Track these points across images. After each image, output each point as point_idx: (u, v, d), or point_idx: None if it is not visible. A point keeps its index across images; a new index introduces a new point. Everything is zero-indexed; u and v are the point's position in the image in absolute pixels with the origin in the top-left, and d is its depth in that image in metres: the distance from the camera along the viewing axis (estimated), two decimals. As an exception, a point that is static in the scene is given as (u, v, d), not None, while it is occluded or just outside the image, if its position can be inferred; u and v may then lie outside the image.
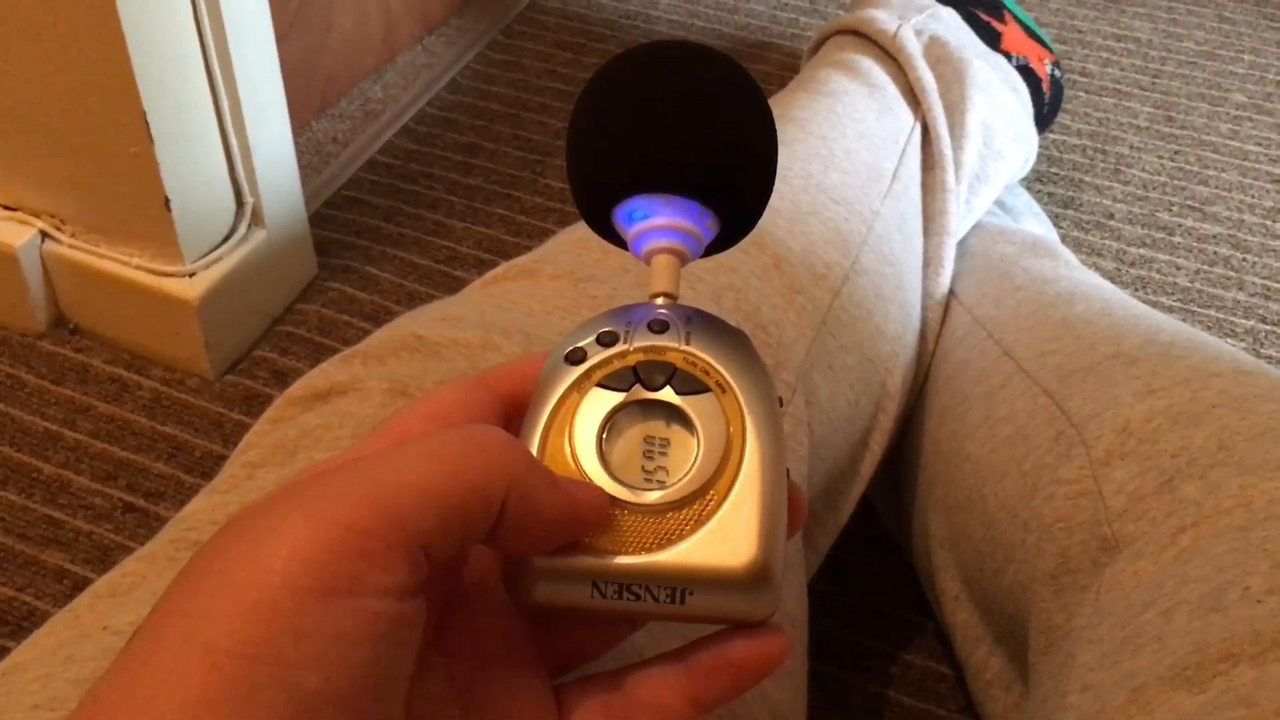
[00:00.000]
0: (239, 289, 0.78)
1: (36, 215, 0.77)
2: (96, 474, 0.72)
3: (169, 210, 0.72)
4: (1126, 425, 0.51)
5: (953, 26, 0.80)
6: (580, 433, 0.29)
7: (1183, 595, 0.42)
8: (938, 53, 0.76)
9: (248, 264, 0.78)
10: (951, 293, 0.68)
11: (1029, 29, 0.86)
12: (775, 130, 0.33)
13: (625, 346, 0.30)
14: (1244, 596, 0.41)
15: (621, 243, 0.33)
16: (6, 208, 0.77)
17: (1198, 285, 0.90)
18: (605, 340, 0.30)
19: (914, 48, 0.75)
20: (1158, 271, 0.91)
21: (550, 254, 0.54)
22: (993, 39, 0.83)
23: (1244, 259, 0.92)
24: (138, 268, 0.75)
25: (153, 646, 0.22)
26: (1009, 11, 0.86)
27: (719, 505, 0.28)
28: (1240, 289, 0.89)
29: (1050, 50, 0.87)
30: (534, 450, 0.29)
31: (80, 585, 0.66)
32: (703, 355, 0.30)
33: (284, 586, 0.22)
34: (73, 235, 0.77)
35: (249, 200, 0.78)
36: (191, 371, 0.78)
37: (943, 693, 0.64)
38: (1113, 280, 0.90)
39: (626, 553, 0.27)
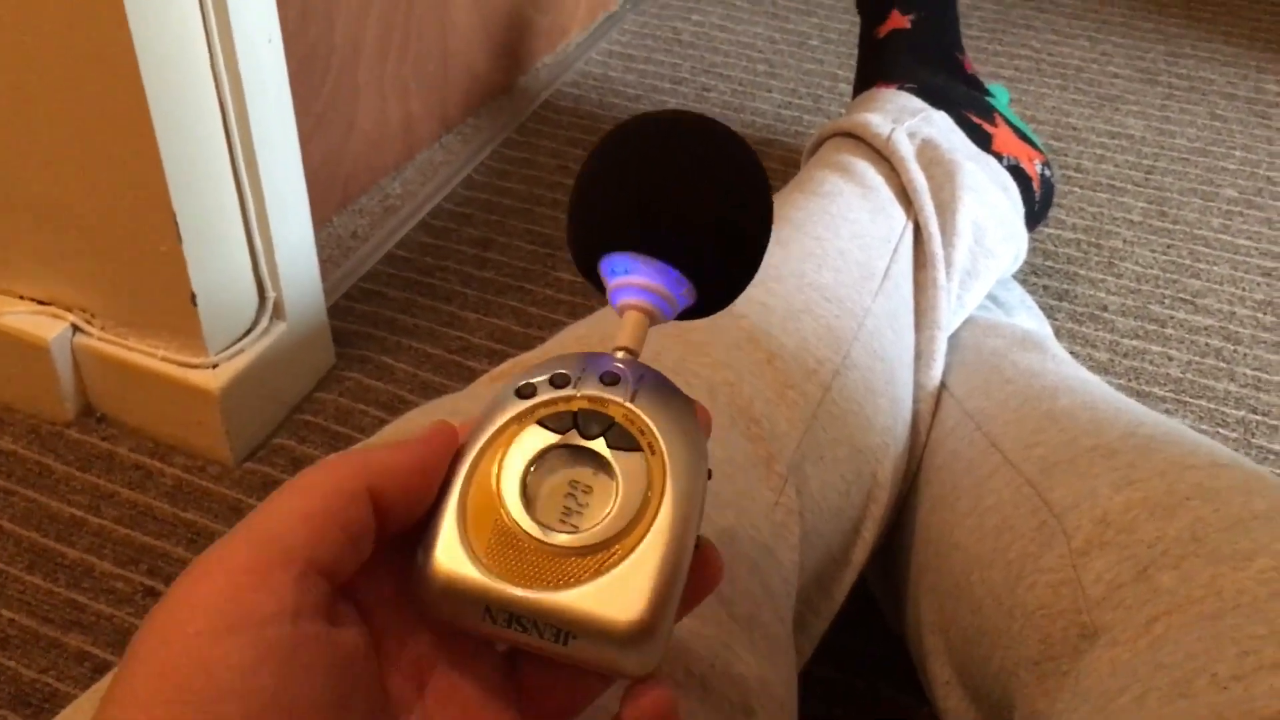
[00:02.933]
0: (259, 379, 0.81)
1: (69, 309, 0.81)
2: (119, 559, 0.75)
3: (195, 305, 0.75)
4: (1105, 516, 0.53)
5: (945, 129, 0.84)
6: (510, 463, 0.30)
7: (1155, 681, 0.44)
8: (930, 155, 0.79)
9: (268, 355, 0.82)
10: (943, 385, 0.71)
11: (1019, 131, 0.90)
12: (770, 214, 0.34)
13: (573, 392, 0.31)
14: (1211, 683, 0.42)
15: (604, 291, 0.35)
16: (40, 302, 0.81)
17: (1190, 376, 0.92)
18: (557, 381, 0.32)
19: (907, 150, 0.78)
20: (1150, 363, 0.93)
21: (553, 350, 0.57)
22: (984, 141, 0.86)
23: (1235, 350, 0.94)
24: (164, 359, 0.79)
25: (105, 713, 0.25)
26: (1000, 115, 0.90)
27: (620, 560, 0.29)
28: (1232, 380, 0.92)
29: (1040, 151, 0.90)
30: (464, 470, 0.30)
31: (101, 667, 0.68)
32: (642, 415, 0.31)
33: (191, 634, 0.25)
34: (103, 328, 0.80)
35: (271, 294, 0.81)
36: (212, 459, 0.81)
37: (938, 778, 0.65)
38: (1106, 371, 0.92)
39: (523, 586, 0.29)
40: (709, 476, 0.31)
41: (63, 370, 0.81)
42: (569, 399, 0.31)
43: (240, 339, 0.80)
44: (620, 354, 0.33)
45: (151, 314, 0.78)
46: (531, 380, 0.32)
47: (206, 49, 0.70)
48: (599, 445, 0.30)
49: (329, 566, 0.28)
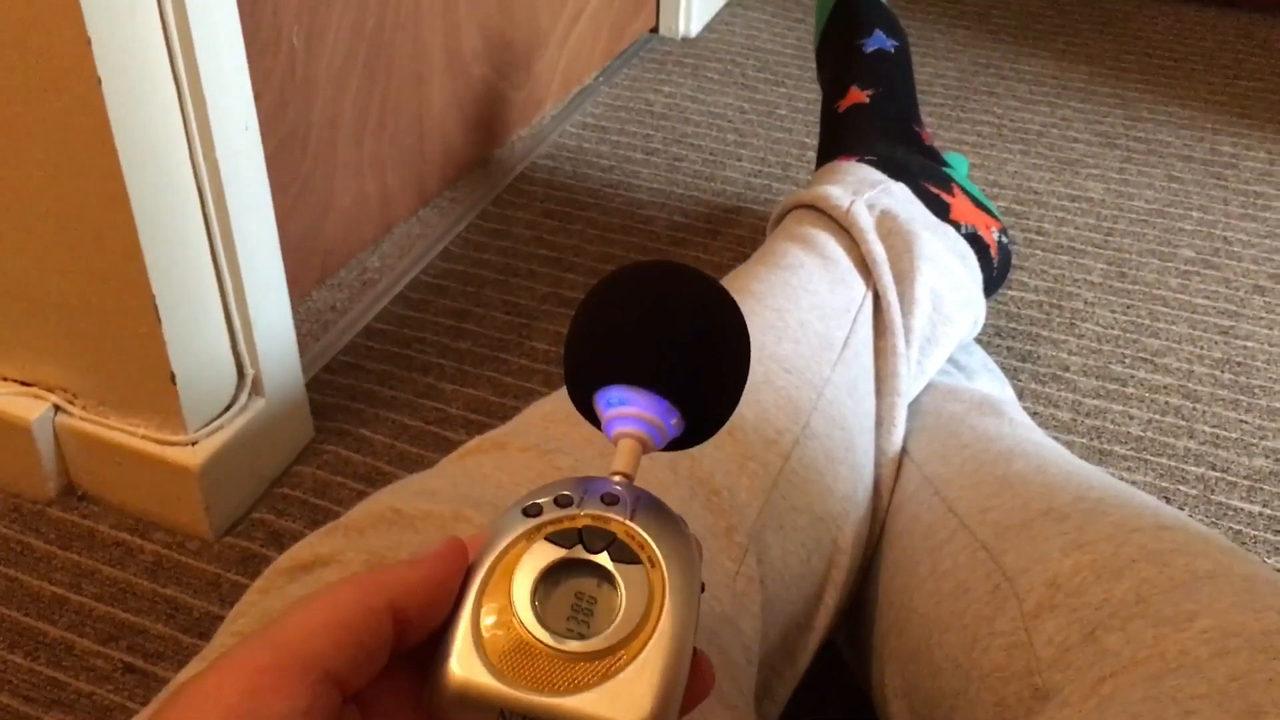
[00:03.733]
0: (239, 455, 0.83)
1: (51, 390, 0.82)
2: (99, 636, 0.76)
3: (174, 384, 0.77)
4: (1055, 579, 0.55)
5: (903, 200, 0.87)
6: (521, 576, 0.33)
7: (1102, 742, 0.46)
8: (889, 225, 0.82)
9: (247, 431, 0.83)
10: (904, 450, 0.73)
11: (977, 200, 0.93)
12: (748, 356, 0.38)
13: (577, 510, 0.34)
14: (1155, 743, 0.44)
15: (598, 422, 0.38)
16: (23, 383, 0.83)
17: (1150, 434, 0.94)
18: (561, 501, 0.34)
19: (866, 222, 0.81)
20: (1112, 421, 0.95)
21: (520, 428, 0.59)
22: (942, 210, 0.89)
23: (1194, 408, 0.97)
24: (144, 437, 0.80)
25: None
26: (957, 184, 0.93)
27: (626, 665, 0.31)
28: (1191, 437, 0.94)
29: (997, 219, 0.93)
30: (477, 584, 0.33)
31: (80, 745, 0.69)
32: (642, 532, 0.34)
33: None
34: (84, 408, 0.82)
35: (250, 371, 0.83)
36: (192, 534, 0.83)
37: (908, 839, 0.66)
38: (1069, 430, 0.95)
39: (535, 690, 0.31)
40: (702, 589, 0.34)
41: (44, 449, 0.83)
42: (573, 517, 0.34)
43: (219, 416, 0.82)
44: (617, 478, 0.36)
45: (132, 394, 0.80)
46: (537, 501, 0.35)
47: (185, 138, 0.73)
48: (603, 559, 0.33)
49: (343, 676, 0.30)
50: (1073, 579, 0.54)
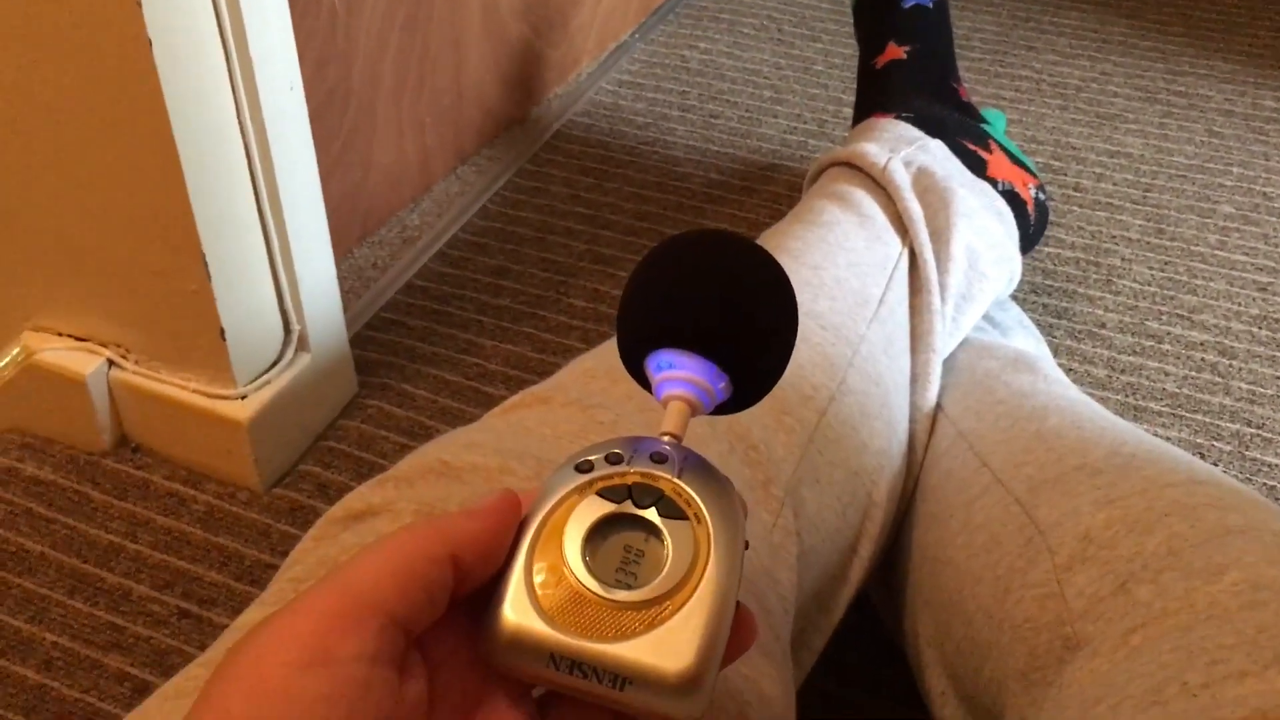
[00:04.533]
0: (286, 409, 0.85)
1: (104, 345, 0.85)
2: (155, 582, 0.78)
3: (224, 340, 0.79)
4: (1087, 532, 0.56)
5: (940, 157, 0.87)
6: (572, 528, 0.34)
7: (1129, 690, 0.47)
8: (925, 183, 0.82)
9: (294, 386, 0.85)
10: (939, 406, 0.74)
11: (1014, 156, 0.93)
12: (795, 322, 0.39)
13: (627, 468, 0.36)
14: (1182, 691, 0.45)
15: (647, 384, 0.39)
16: (78, 338, 0.85)
17: (1185, 391, 0.95)
18: (612, 459, 0.36)
19: (903, 179, 0.81)
20: (1147, 378, 0.96)
21: (562, 383, 0.60)
22: (979, 167, 0.89)
23: (1230, 365, 0.97)
24: (194, 391, 0.83)
25: (195, 714, 0.29)
26: (995, 141, 0.93)
27: (671, 615, 0.33)
28: (1226, 394, 0.94)
29: (1035, 175, 0.93)
30: (530, 534, 0.34)
31: (140, 687, 0.72)
32: (689, 489, 0.35)
33: (277, 664, 0.29)
34: (136, 363, 0.84)
35: (296, 328, 0.85)
36: (242, 486, 0.85)
37: (939, 785, 0.68)
38: (1104, 387, 0.95)
39: (584, 637, 0.32)
40: (746, 547, 0.35)
41: (99, 403, 0.85)
42: (623, 474, 0.35)
43: (267, 371, 0.84)
44: (666, 438, 0.37)
45: (183, 349, 0.82)
46: (589, 457, 0.36)
47: (232, 99, 0.74)
48: (651, 514, 0.35)
49: (407, 621, 0.31)
50: (1105, 532, 0.55)
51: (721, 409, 0.39)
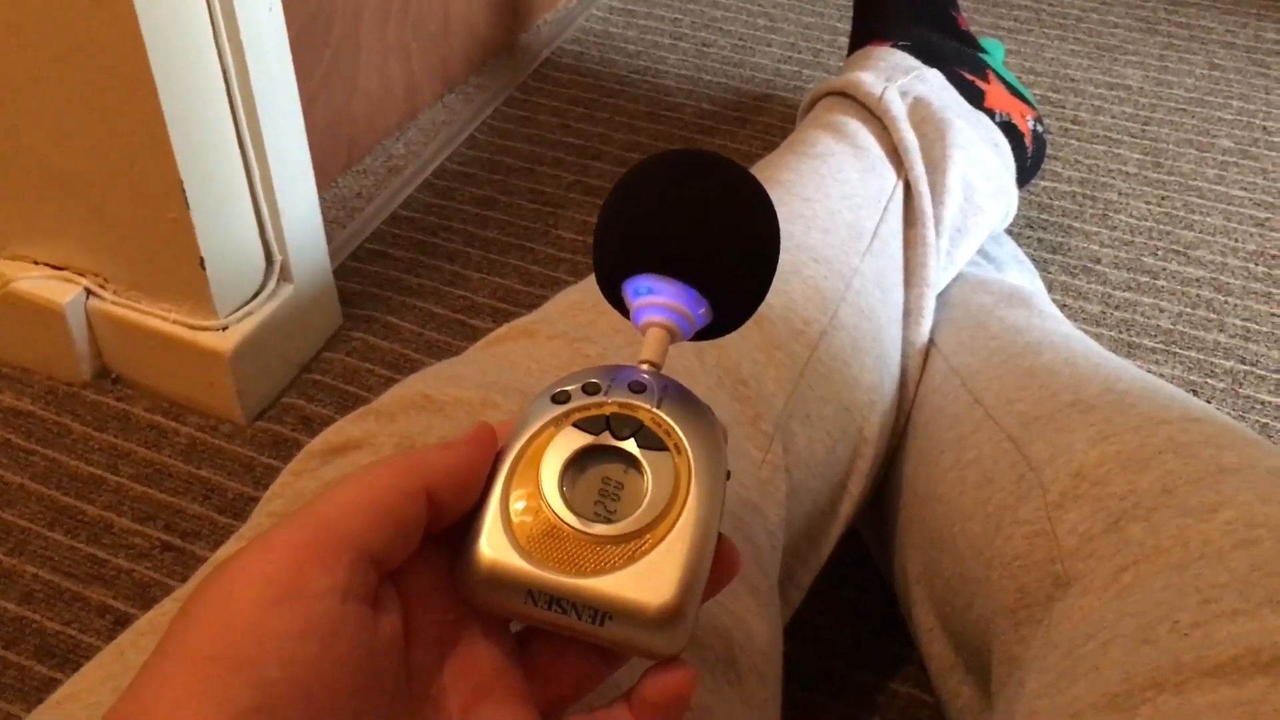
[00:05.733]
0: (268, 341, 0.84)
1: (82, 274, 0.83)
2: (137, 515, 0.78)
3: (204, 269, 0.78)
4: (1080, 469, 0.55)
5: (937, 87, 0.85)
6: (549, 461, 0.33)
7: (1120, 628, 0.46)
8: (921, 113, 0.80)
9: (276, 317, 0.84)
10: (931, 341, 0.73)
11: (1012, 87, 0.91)
12: (778, 245, 0.38)
13: (604, 398, 0.35)
14: (1173, 630, 0.45)
15: (626, 311, 0.38)
16: (55, 267, 0.83)
17: (1180, 327, 0.94)
18: (589, 389, 0.35)
19: (898, 110, 0.79)
20: (1141, 314, 0.95)
21: (548, 316, 0.59)
22: (976, 97, 0.87)
23: (1225, 302, 0.96)
24: (175, 322, 0.81)
25: (154, 662, 0.28)
26: (993, 71, 0.91)
27: (651, 548, 0.32)
28: (1221, 331, 0.93)
29: (1033, 107, 0.91)
30: (506, 468, 0.33)
31: (121, 620, 0.72)
32: (668, 419, 0.34)
33: (246, 600, 0.28)
34: (115, 293, 0.82)
35: (278, 258, 0.83)
36: (224, 418, 0.84)
37: (925, 719, 0.68)
38: (1098, 323, 0.94)
39: (563, 572, 0.32)
40: (728, 477, 0.35)
41: (77, 333, 0.84)
42: (601, 404, 0.34)
43: (249, 301, 0.83)
44: (645, 366, 0.36)
45: (162, 278, 0.80)
46: (565, 388, 0.35)
47: (209, 19, 0.72)
48: (630, 445, 0.34)
49: (380, 556, 0.30)
50: (1098, 469, 0.55)
51: (702, 335, 0.38)
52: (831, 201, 0.71)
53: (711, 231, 0.36)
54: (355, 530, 0.30)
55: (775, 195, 0.71)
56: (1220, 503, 0.50)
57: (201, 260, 0.77)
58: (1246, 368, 0.90)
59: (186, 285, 0.79)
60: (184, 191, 0.74)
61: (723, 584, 0.34)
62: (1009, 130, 0.87)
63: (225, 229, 0.79)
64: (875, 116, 0.80)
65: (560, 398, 0.35)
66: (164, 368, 0.84)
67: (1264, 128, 1.15)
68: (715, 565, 0.33)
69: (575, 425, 0.34)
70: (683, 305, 0.36)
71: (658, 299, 0.36)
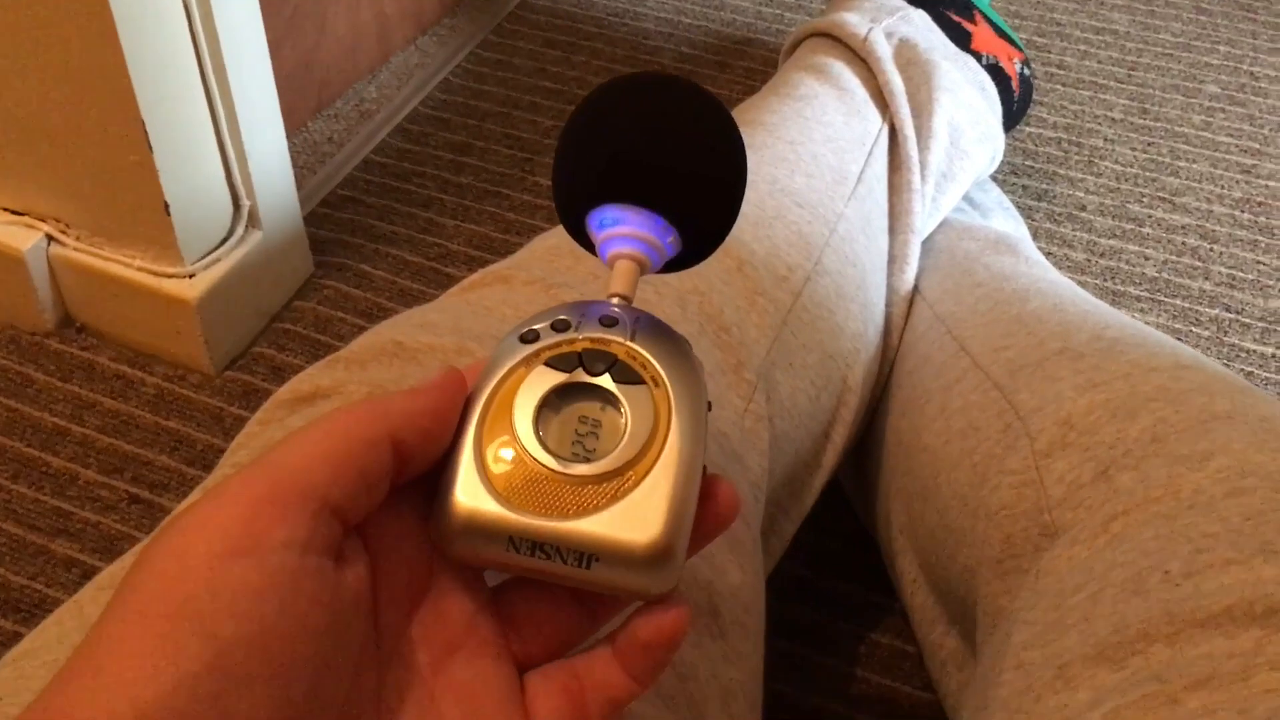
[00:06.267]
0: (237, 288, 0.81)
1: (43, 219, 0.80)
2: (103, 467, 0.76)
3: (168, 214, 0.75)
4: (1068, 418, 0.54)
5: (923, 28, 0.83)
6: (522, 403, 0.32)
7: (1110, 579, 0.46)
8: (907, 55, 0.78)
9: (245, 264, 0.82)
10: (916, 289, 0.71)
11: (999, 29, 0.89)
12: (745, 167, 0.36)
13: (575, 335, 0.33)
14: (1164, 580, 0.44)
15: (591, 247, 0.36)
16: (14, 212, 0.81)
17: (1165, 275, 0.92)
18: (558, 326, 0.33)
19: (884, 51, 0.77)
20: (1126, 262, 0.94)
21: (524, 261, 0.57)
22: (963, 39, 0.85)
23: (1211, 249, 0.95)
24: (140, 269, 0.79)
25: (105, 620, 0.26)
26: (980, 12, 0.89)
27: (635, 485, 0.31)
28: (1206, 279, 0.92)
29: (1020, 50, 0.89)
30: (477, 412, 0.32)
31: (88, 573, 0.70)
32: (643, 352, 0.33)
33: (201, 554, 0.26)
34: (77, 239, 0.80)
35: (245, 203, 0.81)
36: (193, 368, 0.82)
37: (907, 670, 0.67)
38: (1082, 271, 0.93)
39: (544, 516, 0.30)
40: (709, 408, 0.33)
41: (39, 281, 0.81)
42: (572, 340, 0.33)
43: (216, 248, 0.80)
44: (615, 299, 0.35)
45: (126, 224, 0.78)
46: (534, 326, 0.33)
47: (169, -47, 0.69)
48: (605, 381, 0.32)
49: (343, 507, 0.29)
50: (1087, 418, 0.54)
51: (671, 265, 0.36)
52: (815, 145, 0.69)
53: (678, 156, 0.34)
54: (316, 480, 0.28)
55: (757, 138, 0.69)
56: (1212, 451, 0.49)
57: (166, 205, 0.75)
58: (1232, 315, 0.89)
59: (151, 231, 0.77)
60: (146, 133, 0.71)
61: (722, 527, 0.33)
62: (996, 73, 0.86)
63: (190, 173, 0.76)
64: (860, 58, 0.78)
65: (529, 337, 0.33)
66: (129, 316, 0.81)
67: (1251, 73, 1.14)
68: (711, 506, 0.32)
69: (547, 364, 0.32)
70: (650, 234, 0.34)
71: (624, 229, 0.34)
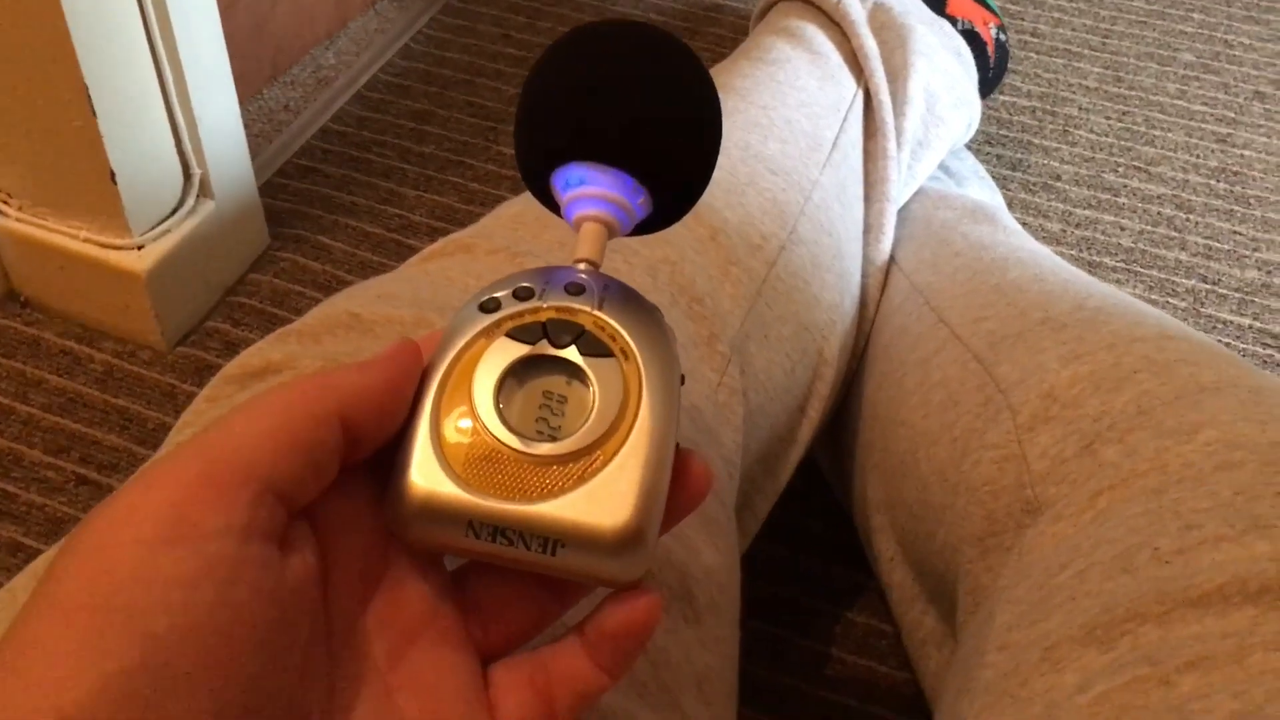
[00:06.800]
0: (189, 261, 0.78)
1: (-17, 189, 0.77)
2: (49, 447, 0.73)
3: (115, 183, 0.72)
4: (1051, 390, 0.52)
5: (898, -9, 0.81)
6: (482, 376, 0.29)
7: (1097, 556, 0.44)
8: (882, 18, 0.76)
9: (197, 236, 0.78)
10: (892, 259, 0.70)
11: (974, -7, 0.87)
12: (720, 122, 0.34)
13: (539, 303, 0.31)
14: (1153, 557, 0.42)
15: (556, 208, 0.34)
16: (-48, 182, 0.77)
17: (1141, 245, 0.91)
18: (521, 294, 0.31)
19: (858, 14, 0.75)
20: (1102, 232, 0.92)
21: (487, 229, 0.55)
22: (938, 3, 0.83)
23: (1187, 219, 0.93)
24: (86, 240, 0.76)
25: (26, 614, 0.24)
26: (955, -25, 0.87)
27: (603, 465, 0.28)
28: (1183, 249, 0.91)
29: (995, 14, 0.87)
30: (434, 388, 0.30)
31: (34, 558, 0.67)
32: (612, 322, 0.30)
33: (130, 542, 0.24)
34: (20, 209, 0.76)
35: (196, 172, 0.78)
36: (143, 344, 0.79)
37: (883, 649, 0.66)
38: (1058, 242, 0.91)
39: (506, 498, 0.28)
40: (682, 381, 0.31)
41: (-19, 254, 0.78)
42: (535, 310, 0.31)
43: (166, 219, 0.77)
44: (582, 265, 0.32)
45: (71, 193, 0.74)
46: (494, 294, 0.31)
47: (110, -94, 0.66)
48: (571, 353, 0.30)
49: (287, 490, 0.27)
50: (1070, 390, 0.52)
51: (642, 228, 0.34)
52: (789, 110, 0.67)
53: (648, 111, 0.32)
54: (257, 461, 0.26)
55: (729, 103, 0.67)
56: (1200, 423, 0.47)
57: (112, 173, 0.71)
58: (1208, 286, 0.88)
59: (97, 201, 0.74)
60: (89, 97, 0.68)
61: (693, 505, 0.31)
62: (971, 38, 0.84)
63: (137, 139, 0.73)
64: (833, 22, 0.76)
65: (489, 305, 0.31)
66: (76, 289, 0.78)
67: (1225, 41, 1.12)
68: (682, 482, 0.30)
69: (509, 335, 0.30)
70: (619, 195, 0.32)
71: (591, 189, 0.32)
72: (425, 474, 0.29)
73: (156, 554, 0.24)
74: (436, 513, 0.28)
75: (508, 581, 0.31)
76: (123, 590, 0.24)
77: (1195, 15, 1.16)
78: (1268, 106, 1.05)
